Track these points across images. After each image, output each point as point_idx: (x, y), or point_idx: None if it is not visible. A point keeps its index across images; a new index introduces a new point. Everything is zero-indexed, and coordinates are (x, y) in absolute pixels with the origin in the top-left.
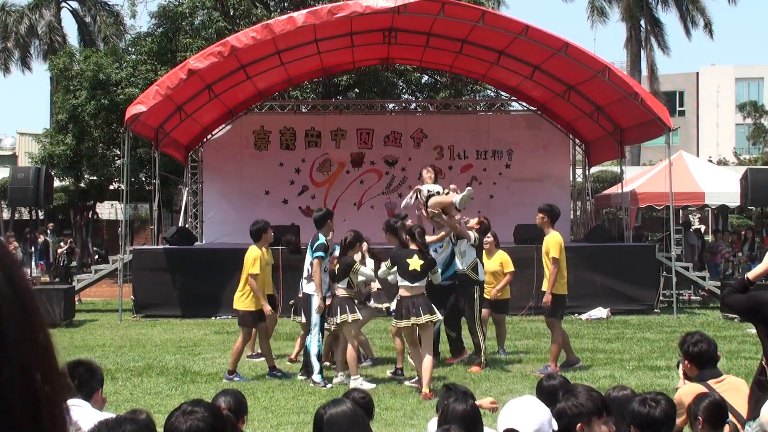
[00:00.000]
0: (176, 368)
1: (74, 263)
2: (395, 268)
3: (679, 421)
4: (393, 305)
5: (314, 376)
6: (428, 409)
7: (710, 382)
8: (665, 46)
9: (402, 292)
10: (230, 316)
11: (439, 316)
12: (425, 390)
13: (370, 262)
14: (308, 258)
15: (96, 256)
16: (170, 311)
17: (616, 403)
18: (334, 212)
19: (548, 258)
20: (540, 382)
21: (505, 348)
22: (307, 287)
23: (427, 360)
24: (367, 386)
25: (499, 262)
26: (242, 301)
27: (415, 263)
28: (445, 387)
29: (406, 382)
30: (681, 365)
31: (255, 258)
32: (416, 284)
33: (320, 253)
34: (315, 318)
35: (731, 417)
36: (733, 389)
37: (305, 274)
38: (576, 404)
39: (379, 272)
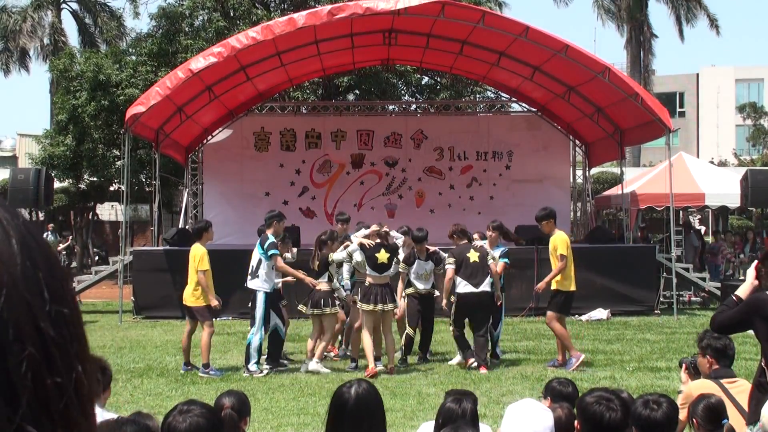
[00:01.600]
0: (176, 369)
1: (74, 264)
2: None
3: (683, 416)
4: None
5: (250, 365)
6: (428, 410)
7: (723, 381)
8: (651, 52)
9: (369, 280)
10: (230, 318)
11: (398, 304)
12: (391, 365)
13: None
14: (256, 256)
15: (96, 258)
16: (170, 312)
17: None
18: (334, 213)
19: (555, 256)
20: (553, 386)
21: (502, 349)
22: (252, 283)
23: (389, 340)
24: (324, 371)
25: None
26: (197, 297)
27: (382, 256)
28: (446, 393)
29: (351, 364)
30: (683, 367)
31: (202, 255)
32: (383, 274)
33: (274, 251)
34: (260, 313)
35: (740, 418)
36: (744, 392)
37: (249, 270)
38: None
39: (351, 250)
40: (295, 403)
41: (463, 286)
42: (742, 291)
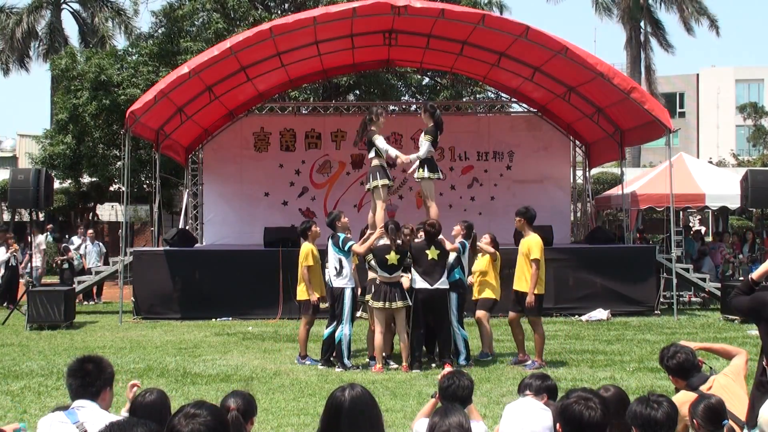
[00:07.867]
0: (176, 370)
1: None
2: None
3: (679, 427)
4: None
5: (345, 360)
6: None
7: (701, 389)
8: (668, 45)
9: (380, 279)
10: (230, 318)
11: (410, 302)
12: (405, 364)
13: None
14: (335, 257)
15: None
16: (170, 313)
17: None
18: None
19: (527, 259)
20: (529, 382)
21: (493, 350)
22: (338, 282)
23: (403, 339)
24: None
25: (487, 261)
26: (302, 291)
27: (392, 258)
28: (443, 376)
29: (370, 362)
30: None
31: (307, 252)
32: (393, 275)
33: (351, 243)
34: (348, 308)
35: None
36: (722, 390)
37: (333, 271)
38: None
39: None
40: (296, 404)
41: (420, 282)
42: (757, 273)
